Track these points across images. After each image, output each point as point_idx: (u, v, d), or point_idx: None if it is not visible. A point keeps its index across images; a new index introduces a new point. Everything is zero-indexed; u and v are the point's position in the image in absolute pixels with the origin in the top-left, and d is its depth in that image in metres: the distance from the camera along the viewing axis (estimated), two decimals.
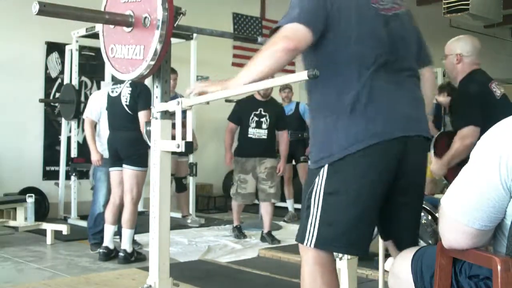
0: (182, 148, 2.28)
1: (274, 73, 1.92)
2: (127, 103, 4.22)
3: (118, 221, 4.39)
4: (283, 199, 6.16)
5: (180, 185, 6.27)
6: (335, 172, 1.83)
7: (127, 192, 4.23)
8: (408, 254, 1.70)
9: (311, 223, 1.86)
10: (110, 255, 4.32)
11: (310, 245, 1.85)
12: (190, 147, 2.30)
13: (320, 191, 1.85)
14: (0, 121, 6.33)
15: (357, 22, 1.85)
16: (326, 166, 1.85)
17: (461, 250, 1.41)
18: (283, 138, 5.35)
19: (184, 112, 2.28)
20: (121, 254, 4.24)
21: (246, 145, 5.15)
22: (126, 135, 4.23)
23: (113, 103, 4.34)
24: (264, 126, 5.14)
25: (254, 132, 5.13)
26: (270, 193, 5.13)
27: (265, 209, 5.20)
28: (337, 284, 1.92)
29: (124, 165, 4.24)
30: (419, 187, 1.99)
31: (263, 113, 5.15)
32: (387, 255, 3.61)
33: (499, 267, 1.28)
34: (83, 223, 5.40)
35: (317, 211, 1.85)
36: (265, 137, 5.14)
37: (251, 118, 5.13)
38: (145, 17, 2.21)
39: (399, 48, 1.91)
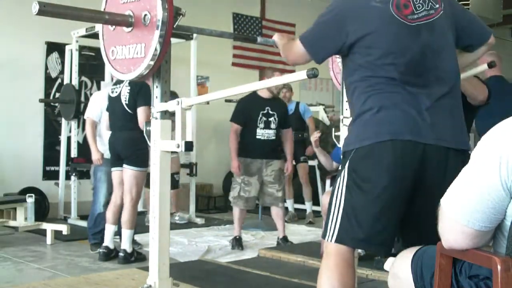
0: (182, 148, 2.29)
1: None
2: (127, 102, 4.22)
3: (118, 221, 4.39)
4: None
5: (171, 182, 6.22)
6: (355, 166, 1.96)
7: (127, 192, 4.23)
8: (408, 254, 1.70)
9: (332, 218, 1.96)
10: (110, 255, 4.32)
11: (330, 240, 1.95)
12: (190, 147, 2.31)
13: (341, 188, 1.97)
14: (0, 121, 6.33)
15: (380, 43, 1.96)
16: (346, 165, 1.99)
17: (461, 250, 1.41)
18: (288, 136, 5.08)
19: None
20: (121, 254, 4.24)
21: (253, 146, 4.86)
22: (126, 135, 4.23)
23: (113, 103, 4.34)
24: (272, 126, 4.87)
25: (263, 133, 4.85)
26: (278, 196, 4.88)
27: (277, 214, 4.96)
28: (353, 277, 1.95)
29: (124, 165, 4.24)
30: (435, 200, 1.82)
31: (270, 112, 4.87)
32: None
33: (499, 267, 1.27)
34: (83, 223, 5.40)
35: (339, 207, 1.96)
36: (273, 137, 4.88)
37: (259, 118, 4.84)
38: (145, 15, 2.22)
39: (428, 58, 1.97)
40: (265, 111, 4.87)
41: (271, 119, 4.88)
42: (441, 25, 2.01)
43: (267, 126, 4.87)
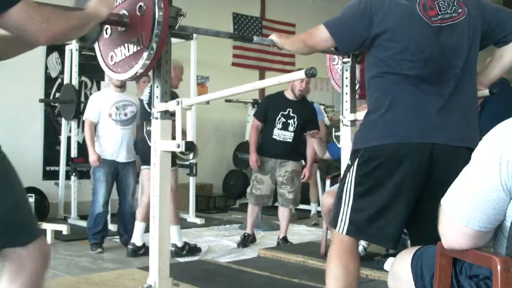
0: (182, 148, 2.28)
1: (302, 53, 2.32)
2: (147, 101, 4.30)
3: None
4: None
5: None
6: (362, 164, 2.04)
7: (146, 192, 4.35)
8: (408, 254, 1.70)
9: (343, 210, 2.07)
10: (139, 251, 4.40)
11: (342, 232, 2.06)
12: (191, 147, 2.31)
13: (351, 182, 2.07)
14: (0, 121, 6.33)
15: (402, 37, 2.00)
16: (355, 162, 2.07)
17: (461, 250, 1.41)
18: (312, 141, 4.94)
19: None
20: (129, 247, 4.35)
21: (268, 145, 4.86)
22: (143, 134, 4.31)
23: (141, 103, 4.49)
24: (290, 128, 4.80)
25: (279, 134, 4.82)
26: (289, 198, 4.84)
27: (282, 214, 4.95)
28: (356, 267, 2.07)
29: (141, 166, 4.39)
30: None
31: (291, 114, 4.81)
32: (386, 255, 3.63)
33: (499, 267, 1.27)
34: (83, 223, 5.40)
35: (348, 200, 2.06)
36: (290, 140, 4.80)
37: (278, 118, 4.81)
38: (139, 6, 2.22)
39: (448, 57, 2.00)
40: (286, 112, 4.81)
41: (290, 121, 4.82)
42: (463, 27, 2.04)
43: (284, 127, 4.82)
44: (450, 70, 2.01)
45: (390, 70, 2.02)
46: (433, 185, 1.96)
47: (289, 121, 4.81)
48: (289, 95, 4.87)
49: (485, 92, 2.40)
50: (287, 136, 4.82)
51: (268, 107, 4.95)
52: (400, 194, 1.97)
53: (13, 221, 1.58)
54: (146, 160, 4.22)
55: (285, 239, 4.98)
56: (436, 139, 1.96)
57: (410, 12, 2.00)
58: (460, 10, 2.05)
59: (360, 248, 3.75)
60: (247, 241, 4.99)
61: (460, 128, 2.00)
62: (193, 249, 4.55)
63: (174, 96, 4.15)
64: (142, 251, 4.36)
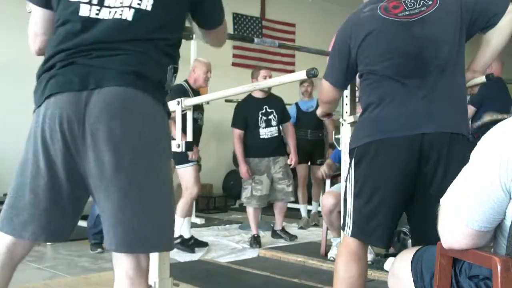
0: (182, 148, 2.29)
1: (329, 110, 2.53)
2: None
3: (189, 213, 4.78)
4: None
5: None
6: (356, 164, 2.09)
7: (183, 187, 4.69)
8: (408, 254, 1.70)
9: (346, 213, 2.12)
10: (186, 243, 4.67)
11: (346, 234, 2.12)
12: (190, 147, 2.31)
13: (350, 184, 2.12)
14: (0, 121, 6.33)
15: (370, 44, 2.06)
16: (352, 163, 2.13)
17: (461, 250, 1.41)
18: (289, 129, 5.19)
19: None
20: (178, 240, 4.48)
21: (259, 146, 4.96)
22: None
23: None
24: (273, 123, 5.00)
25: (266, 132, 4.97)
26: (289, 191, 5.04)
27: (280, 208, 5.14)
28: (357, 269, 2.08)
29: (176, 166, 4.59)
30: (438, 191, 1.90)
31: (269, 110, 5.00)
32: (386, 255, 3.63)
33: (499, 267, 1.27)
34: (83, 223, 5.38)
35: (350, 203, 2.11)
36: (276, 134, 5.01)
37: (259, 118, 4.97)
38: None
39: (426, 49, 2.01)
40: (264, 110, 4.99)
41: (271, 116, 5.00)
42: (436, 18, 2.03)
43: (268, 124, 4.99)
44: (432, 61, 2.01)
45: (372, 72, 2.08)
46: (428, 177, 1.97)
47: (269, 117, 5.00)
48: (257, 94, 5.03)
49: (482, 78, 2.41)
50: (273, 131, 5.00)
51: (245, 113, 5.04)
52: (390, 192, 1.99)
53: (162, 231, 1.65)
54: (177, 160, 4.45)
55: (283, 230, 5.17)
56: (424, 129, 1.97)
57: (373, 19, 2.06)
58: (430, 2, 2.04)
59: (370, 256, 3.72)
60: (259, 240, 5.02)
61: (449, 115, 2.00)
62: (199, 242, 4.71)
63: (196, 95, 4.25)
64: (191, 241, 4.67)
